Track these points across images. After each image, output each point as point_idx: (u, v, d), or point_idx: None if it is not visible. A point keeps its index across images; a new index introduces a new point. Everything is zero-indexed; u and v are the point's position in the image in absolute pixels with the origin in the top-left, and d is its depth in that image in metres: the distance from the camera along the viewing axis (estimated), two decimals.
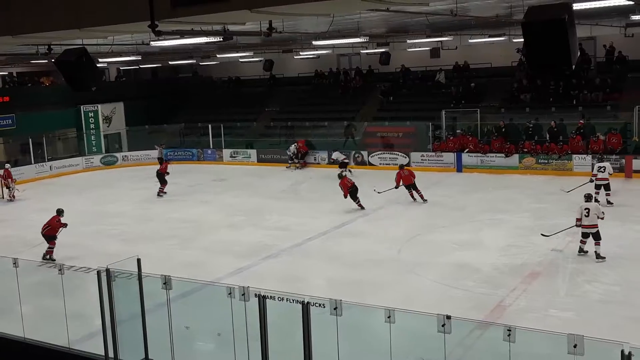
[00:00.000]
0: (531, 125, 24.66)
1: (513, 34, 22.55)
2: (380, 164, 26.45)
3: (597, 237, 13.11)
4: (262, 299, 7.37)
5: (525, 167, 23.42)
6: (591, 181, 17.72)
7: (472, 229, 16.30)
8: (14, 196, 23.20)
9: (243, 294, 7.52)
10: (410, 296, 11.41)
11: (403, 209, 18.87)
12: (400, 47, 28.16)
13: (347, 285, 12.39)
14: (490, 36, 23.40)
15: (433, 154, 25.56)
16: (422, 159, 25.63)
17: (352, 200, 18.91)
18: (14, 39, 9.09)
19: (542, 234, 14.51)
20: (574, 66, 6.05)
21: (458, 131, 26.24)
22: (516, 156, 23.62)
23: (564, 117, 24.33)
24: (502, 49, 28.18)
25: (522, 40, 6.24)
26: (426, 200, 19.24)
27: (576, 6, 9.17)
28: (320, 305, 7.32)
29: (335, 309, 7.23)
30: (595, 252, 13.11)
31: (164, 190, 22.70)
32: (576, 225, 13.39)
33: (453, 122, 26.94)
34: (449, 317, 6.65)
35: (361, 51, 29.63)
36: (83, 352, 8.92)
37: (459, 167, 24.76)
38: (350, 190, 19.02)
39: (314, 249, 15.42)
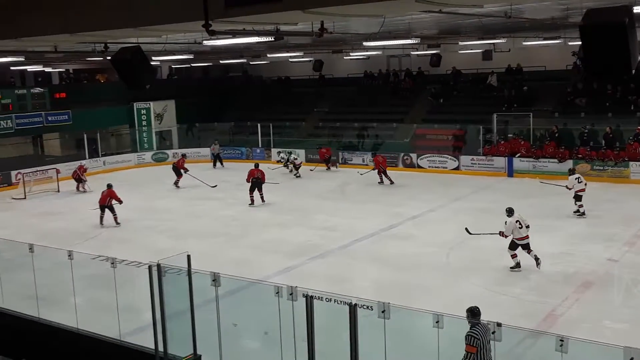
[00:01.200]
0: (586, 131, 24.05)
1: (569, 36, 22.04)
2: (429, 166, 26.21)
3: (529, 247, 13.21)
4: (309, 299, 7.37)
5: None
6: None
7: None
8: (84, 188, 24.16)
9: (291, 294, 7.55)
10: (459, 301, 11.21)
11: (452, 213, 18.65)
12: (451, 49, 27.83)
13: (394, 288, 12.31)
14: (544, 39, 22.92)
15: (483, 157, 25.18)
16: (472, 163, 25.30)
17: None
18: (71, 37, 9.34)
19: (466, 229, 14.37)
20: (633, 71, 5.87)
21: (510, 135, 25.79)
22: (570, 162, 23.06)
23: (620, 123, 23.65)
24: (557, 51, 27.60)
25: (579, 43, 6.08)
26: (393, 182, 21.90)
27: (637, 9, 8.88)
28: (367, 307, 7.29)
29: (383, 311, 7.19)
30: (536, 256, 13.10)
31: (178, 184, 24.14)
32: (503, 236, 13.36)
33: (504, 126, 26.48)
34: (499, 325, 6.55)
35: (411, 52, 29.40)
36: (134, 344, 9.08)
37: (510, 172, 24.33)
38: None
39: (361, 250, 15.37)
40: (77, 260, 10.34)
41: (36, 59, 24.77)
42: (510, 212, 13.49)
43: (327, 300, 7.40)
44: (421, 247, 15.22)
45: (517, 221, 13.21)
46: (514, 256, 13.27)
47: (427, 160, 26.42)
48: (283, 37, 12.65)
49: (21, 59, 19.57)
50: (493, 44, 26.13)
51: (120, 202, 18.73)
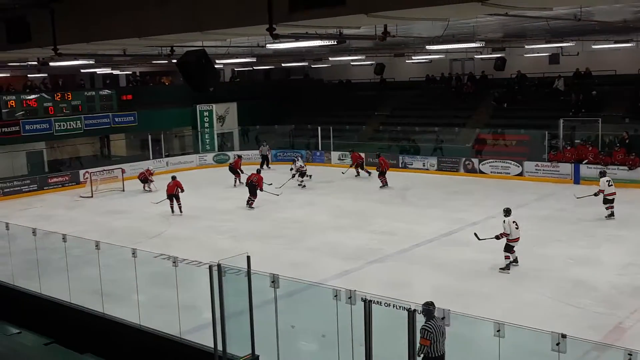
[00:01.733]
0: None
1: None
2: (491, 172, 25.72)
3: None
4: (368, 303, 7.32)
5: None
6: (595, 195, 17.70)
7: (590, 244, 15.51)
8: (150, 188, 24.89)
9: (349, 297, 7.51)
10: (521, 310, 11.00)
11: (515, 218, 18.18)
12: (516, 53, 27.26)
13: (453, 294, 12.12)
14: (615, 42, 22.18)
15: (548, 164, 24.52)
16: (536, 169, 24.68)
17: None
18: (140, 41, 9.58)
19: (475, 235, 14.41)
20: None
21: (577, 141, 25.04)
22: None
23: None
24: (628, 55, 26.68)
25: None
26: (370, 172, 24.03)
27: None
28: None
29: (442, 318, 7.09)
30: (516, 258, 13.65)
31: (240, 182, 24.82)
32: (499, 238, 13.77)
33: (571, 132, 25.74)
34: (564, 336, 6.34)
35: (475, 56, 28.99)
36: (193, 342, 9.22)
37: (577, 179, 23.61)
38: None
39: (420, 255, 15.21)
40: (140, 258, 10.59)
41: (105, 62, 25.56)
42: (507, 212, 13.89)
43: (385, 305, 7.33)
44: (482, 254, 14.92)
45: (513, 221, 13.64)
46: (507, 257, 13.64)
47: (489, 166, 25.94)
48: (345, 40, 12.63)
49: (91, 62, 20.20)
50: (561, 47, 25.45)
51: (183, 190, 20.56)
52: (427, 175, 26.57)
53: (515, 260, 13.76)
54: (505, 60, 26.10)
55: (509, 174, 25.22)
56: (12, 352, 3.64)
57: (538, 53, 27.88)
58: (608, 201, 17.60)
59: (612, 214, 17.72)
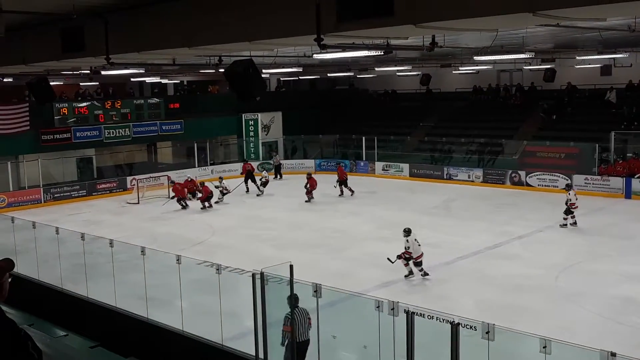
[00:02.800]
0: None
1: None
2: (539, 185, 25.24)
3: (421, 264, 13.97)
4: (410, 315, 7.25)
5: None
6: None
7: None
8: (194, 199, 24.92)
9: (392, 309, 7.44)
10: (568, 327, 10.72)
11: (562, 234, 17.85)
12: (567, 64, 26.74)
13: (498, 309, 11.91)
14: None
15: (599, 177, 23.93)
16: (585, 183, 24.09)
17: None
18: (190, 50, 9.75)
19: (388, 259, 14.23)
20: None
21: (629, 155, 24.37)
22: None
23: None
24: None
25: None
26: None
27: None
28: (471, 327, 7.08)
29: (487, 332, 6.95)
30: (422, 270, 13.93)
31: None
32: (402, 257, 13.96)
33: (623, 145, 25.07)
34: (613, 355, 6.15)
35: (524, 67, 28.53)
36: (235, 350, 9.26)
37: (628, 194, 22.96)
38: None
39: (464, 268, 14.99)
40: (184, 265, 10.70)
41: (154, 71, 26.07)
42: (408, 232, 14.04)
43: (429, 317, 7.25)
44: (528, 269, 14.64)
45: (415, 239, 13.94)
46: (406, 265, 13.98)
47: (537, 179, 25.45)
48: (392, 51, 12.61)
49: (141, 71, 20.64)
50: (613, 58, 24.88)
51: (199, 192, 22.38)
52: (472, 187, 26.24)
53: (411, 272, 14.03)
54: (555, 72, 25.67)
55: (557, 187, 24.66)
56: (59, 354, 3.71)
57: (589, 64, 27.29)
58: (570, 212, 18.29)
59: (566, 224, 18.35)
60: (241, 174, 27.33)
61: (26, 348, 2.79)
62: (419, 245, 13.95)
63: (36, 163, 25.50)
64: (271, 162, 31.04)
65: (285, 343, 8.59)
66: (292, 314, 8.50)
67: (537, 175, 25.49)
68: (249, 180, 26.44)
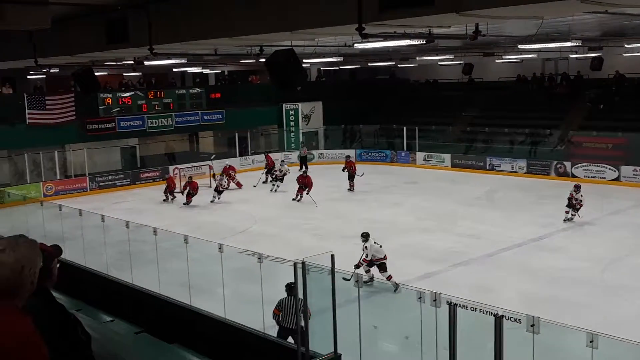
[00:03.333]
0: None
1: None
2: (585, 176, 24.68)
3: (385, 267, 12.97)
4: (453, 307, 7.17)
5: None
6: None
7: None
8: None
9: (434, 300, 7.38)
10: (615, 321, 10.48)
11: (608, 227, 17.45)
12: (615, 52, 26.01)
13: (542, 302, 11.72)
14: None
15: None
16: (634, 174, 23.48)
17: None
18: (232, 40, 9.79)
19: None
20: None
21: None
22: None
23: None
24: None
25: None
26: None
27: None
28: (515, 320, 6.97)
29: (532, 325, 6.83)
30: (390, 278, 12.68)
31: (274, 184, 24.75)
32: (359, 266, 12.86)
33: None
34: None
35: (570, 55, 27.88)
36: (276, 338, 9.32)
37: None
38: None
39: (507, 260, 14.80)
40: (226, 253, 10.81)
41: (196, 61, 26.29)
42: (366, 237, 13.28)
43: (472, 309, 7.16)
44: (573, 261, 14.37)
45: (374, 242, 13.17)
46: (367, 271, 12.98)
47: (583, 170, 24.91)
48: (434, 40, 12.44)
49: (183, 61, 20.84)
50: None
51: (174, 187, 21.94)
52: (516, 178, 25.84)
53: (372, 279, 12.89)
54: (603, 60, 24.98)
55: (604, 178, 24.15)
56: (106, 339, 3.78)
57: (638, 52, 26.51)
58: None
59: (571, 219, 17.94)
60: (266, 165, 26.79)
61: (76, 332, 2.84)
62: (380, 246, 13.19)
63: (82, 152, 26.05)
64: (298, 152, 30.76)
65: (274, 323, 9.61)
66: (284, 300, 9.60)
67: (583, 166, 24.95)
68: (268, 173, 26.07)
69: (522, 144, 28.19)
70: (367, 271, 13.08)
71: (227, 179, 24.28)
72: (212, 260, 11.39)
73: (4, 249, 2.33)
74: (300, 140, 32.08)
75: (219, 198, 22.89)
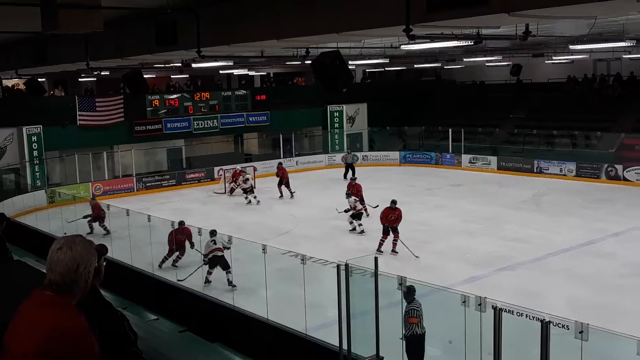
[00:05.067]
0: None
1: None
2: (637, 180, 24.00)
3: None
4: (498, 312, 7.06)
5: None
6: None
7: None
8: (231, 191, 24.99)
9: (479, 304, 7.28)
10: None
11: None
12: None
13: (590, 308, 11.42)
14: None
15: None
16: None
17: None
18: (278, 42, 9.84)
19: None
20: None
21: None
22: None
23: None
24: None
25: None
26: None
27: None
28: (563, 326, 6.83)
29: (580, 332, 6.67)
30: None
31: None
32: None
33: None
34: None
35: (623, 56, 27.17)
36: (319, 340, 9.32)
37: None
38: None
39: (554, 265, 14.48)
40: (269, 254, 10.86)
41: (242, 63, 26.55)
42: (212, 233, 13.56)
43: (517, 314, 7.05)
44: (624, 267, 13.99)
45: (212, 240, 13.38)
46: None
47: (635, 173, 24.21)
48: (482, 40, 12.28)
49: (230, 63, 21.06)
50: None
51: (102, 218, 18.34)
52: (565, 182, 25.28)
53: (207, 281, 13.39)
54: None
55: None
56: (151, 336, 3.84)
57: None
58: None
59: None
60: (278, 177, 24.34)
61: (123, 328, 2.89)
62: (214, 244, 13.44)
63: (129, 153, 26.57)
64: (342, 160, 29.47)
65: (408, 335, 8.65)
66: (417, 306, 8.62)
67: (636, 169, 24.24)
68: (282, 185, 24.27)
69: (572, 146, 27.53)
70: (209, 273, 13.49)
71: (234, 183, 24.53)
72: (256, 260, 11.47)
73: (62, 247, 2.40)
74: (346, 147, 31.77)
75: (254, 197, 23.05)
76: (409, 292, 8.68)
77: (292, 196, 23.58)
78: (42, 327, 2.26)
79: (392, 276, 8.40)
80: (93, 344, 2.33)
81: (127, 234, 14.75)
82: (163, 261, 14.69)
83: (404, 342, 8.70)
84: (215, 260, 13.41)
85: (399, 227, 15.81)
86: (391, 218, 15.85)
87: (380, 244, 15.60)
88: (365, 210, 19.20)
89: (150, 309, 9.48)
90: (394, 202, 16.19)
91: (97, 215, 18.18)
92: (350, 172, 27.49)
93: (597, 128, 27.52)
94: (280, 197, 23.65)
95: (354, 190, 19.52)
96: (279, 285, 12.46)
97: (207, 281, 13.44)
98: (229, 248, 13.11)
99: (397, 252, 15.42)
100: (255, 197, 23.07)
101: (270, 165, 28.81)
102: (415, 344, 8.62)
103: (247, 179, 23.43)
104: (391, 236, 15.66)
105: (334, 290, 8.75)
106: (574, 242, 16.07)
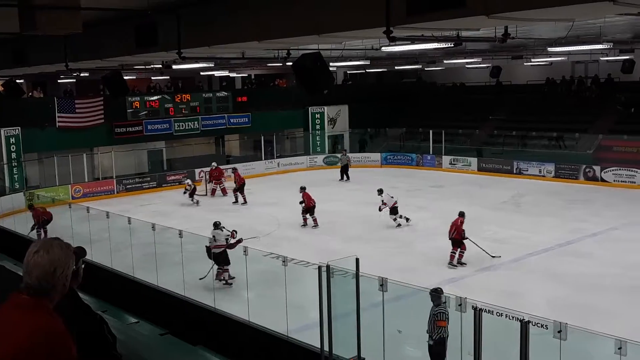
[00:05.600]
0: None
1: None
2: (615, 180, 24.31)
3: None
4: (478, 312, 7.11)
5: None
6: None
7: None
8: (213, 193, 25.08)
9: (460, 305, 7.32)
10: None
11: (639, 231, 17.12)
12: None
13: (569, 308, 11.55)
14: None
15: None
16: None
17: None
18: (259, 44, 9.83)
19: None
20: None
21: None
22: None
23: None
24: None
25: None
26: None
27: None
28: (542, 325, 6.89)
29: (559, 331, 6.74)
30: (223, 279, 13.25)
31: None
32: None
33: None
34: None
35: (600, 58, 27.49)
36: (300, 341, 9.31)
37: None
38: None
39: (534, 265, 14.62)
40: (250, 256, 10.85)
41: (223, 65, 26.47)
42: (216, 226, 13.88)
43: (497, 314, 7.10)
44: (602, 267, 14.15)
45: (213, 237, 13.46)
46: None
47: (613, 174, 24.52)
48: (462, 43, 12.37)
49: (211, 65, 20.99)
50: None
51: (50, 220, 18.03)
52: (544, 182, 25.52)
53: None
54: (634, 62, 24.64)
55: (635, 183, 23.74)
56: (131, 339, 3.81)
57: None
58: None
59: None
60: (236, 183, 24.11)
61: (102, 331, 2.87)
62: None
63: (110, 155, 26.37)
64: (339, 160, 29.61)
65: (436, 338, 8.59)
66: (445, 310, 8.52)
67: (613, 170, 24.56)
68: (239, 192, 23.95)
69: (550, 148, 27.80)
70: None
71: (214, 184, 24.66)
72: (237, 262, 11.45)
73: (39, 250, 2.38)
74: (344, 147, 31.55)
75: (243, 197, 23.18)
76: (437, 295, 8.67)
77: (245, 202, 23.39)
78: (19, 331, 2.24)
79: (373, 277, 8.41)
80: (71, 347, 2.31)
81: (107, 236, 14.63)
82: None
83: (431, 345, 8.66)
84: (216, 257, 13.44)
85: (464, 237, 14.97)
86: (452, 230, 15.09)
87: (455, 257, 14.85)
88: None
89: (131, 312, 9.43)
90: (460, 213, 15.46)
91: (41, 220, 17.77)
92: (345, 175, 27.71)
93: (575, 129, 27.85)
94: (234, 202, 23.55)
95: (304, 198, 19.35)
96: (260, 287, 12.44)
97: (225, 281, 13.51)
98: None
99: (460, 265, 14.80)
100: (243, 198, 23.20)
101: (251, 168, 28.80)
102: (441, 347, 8.60)
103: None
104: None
105: (315, 291, 8.75)
106: (553, 243, 16.23)
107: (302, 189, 19.59)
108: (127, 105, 27.57)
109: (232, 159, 31.12)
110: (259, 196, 24.05)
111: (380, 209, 18.70)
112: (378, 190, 19.29)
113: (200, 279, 13.11)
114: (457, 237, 14.80)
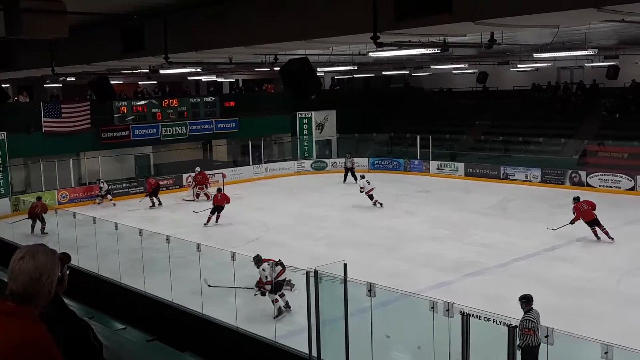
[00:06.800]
0: None
1: None
2: (600, 185, 24.50)
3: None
4: (466, 317, 7.13)
5: None
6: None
7: None
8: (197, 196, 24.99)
9: (447, 310, 7.34)
10: (631, 333, 10.34)
11: (624, 236, 17.24)
12: (632, 60, 25.88)
13: (556, 312, 11.55)
14: None
15: None
16: None
17: None
18: (247, 49, 9.84)
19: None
20: None
21: None
22: None
23: None
24: None
25: None
26: (612, 238, 16.48)
27: None
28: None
29: (546, 336, 6.79)
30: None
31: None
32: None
33: None
34: None
35: (585, 64, 27.75)
36: (288, 347, 9.30)
37: None
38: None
39: (521, 270, 14.67)
40: (238, 262, 10.82)
41: (210, 69, 26.42)
42: (258, 261, 11.96)
43: (485, 319, 7.12)
44: (588, 271, 14.24)
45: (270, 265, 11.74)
46: (275, 301, 11.68)
47: (598, 179, 24.71)
48: (449, 48, 12.43)
49: (198, 69, 20.96)
50: None
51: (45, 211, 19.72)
52: (530, 188, 25.67)
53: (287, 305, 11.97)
54: (619, 69, 24.86)
55: (620, 187, 23.94)
56: (118, 346, 3.79)
57: None
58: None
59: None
60: (145, 190, 24.88)
61: (87, 338, 2.84)
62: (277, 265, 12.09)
63: (96, 160, 26.21)
64: (344, 164, 29.50)
65: (522, 345, 8.40)
66: (532, 317, 8.58)
67: (598, 175, 24.75)
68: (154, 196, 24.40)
69: (536, 153, 27.98)
70: (275, 301, 11.75)
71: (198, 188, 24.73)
72: (224, 268, 11.41)
73: (24, 256, 2.36)
74: (347, 153, 31.38)
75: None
76: (527, 301, 8.66)
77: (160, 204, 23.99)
78: (3, 340, 2.21)
79: (361, 283, 8.42)
80: (57, 356, 2.29)
81: (93, 241, 14.54)
82: None
83: (520, 352, 8.27)
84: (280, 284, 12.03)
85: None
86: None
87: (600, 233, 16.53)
88: None
89: (118, 318, 9.36)
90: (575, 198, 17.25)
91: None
92: (350, 175, 27.85)
93: (561, 135, 28.05)
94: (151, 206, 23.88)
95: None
96: (248, 292, 12.40)
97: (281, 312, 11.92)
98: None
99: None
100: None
101: (239, 172, 28.73)
102: (528, 356, 8.34)
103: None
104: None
105: (303, 297, 8.74)
106: (539, 247, 16.32)
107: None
108: (114, 110, 27.41)
109: (219, 164, 31.05)
110: (247, 201, 24.01)
111: (360, 191, 22.11)
112: (360, 176, 23.05)
113: (209, 285, 12.41)
114: (589, 219, 16.48)
